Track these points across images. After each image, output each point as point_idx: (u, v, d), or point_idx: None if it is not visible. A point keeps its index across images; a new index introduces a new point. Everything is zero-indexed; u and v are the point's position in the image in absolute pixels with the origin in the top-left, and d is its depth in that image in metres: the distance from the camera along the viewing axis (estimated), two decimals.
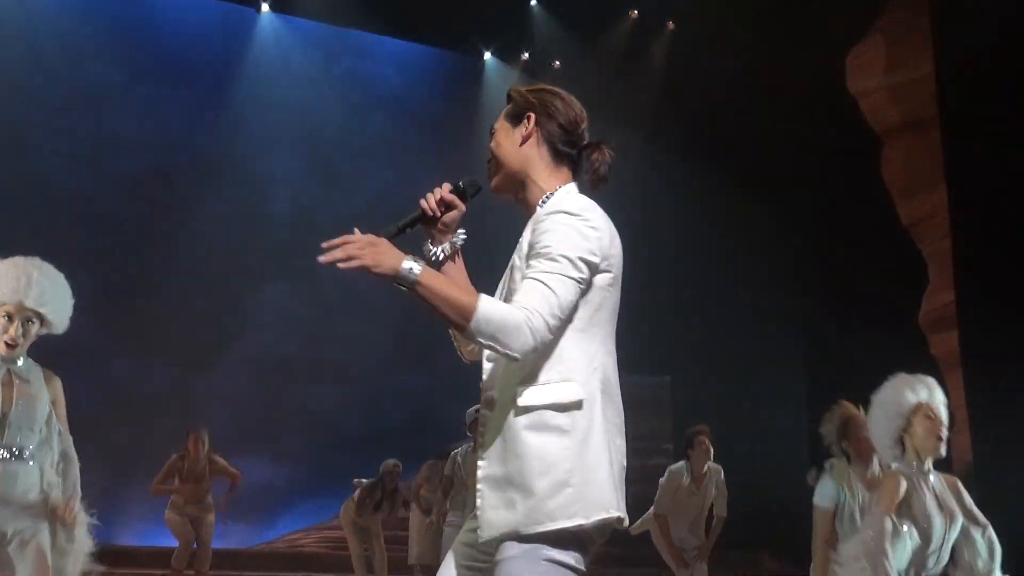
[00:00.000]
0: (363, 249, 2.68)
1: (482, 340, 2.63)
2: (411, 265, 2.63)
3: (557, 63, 16.78)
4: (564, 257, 2.71)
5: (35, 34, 14.05)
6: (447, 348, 2.96)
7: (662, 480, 9.05)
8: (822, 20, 13.31)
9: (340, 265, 2.68)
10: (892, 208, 13.29)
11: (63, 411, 4.71)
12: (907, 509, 5.05)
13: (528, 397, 2.73)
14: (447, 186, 3.07)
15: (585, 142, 3.08)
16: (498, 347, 2.63)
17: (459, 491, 8.46)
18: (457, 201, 3.07)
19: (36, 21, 14.12)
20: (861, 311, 13.91)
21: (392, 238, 2.81)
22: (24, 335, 4.45)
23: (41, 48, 14.06)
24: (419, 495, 10.21)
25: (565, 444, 2.69)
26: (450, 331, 2.85)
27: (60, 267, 4.59)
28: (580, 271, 2.73)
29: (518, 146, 2.99)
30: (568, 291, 2.70)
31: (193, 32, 15.18)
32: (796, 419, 15.74)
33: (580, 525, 2.64)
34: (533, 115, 3.00)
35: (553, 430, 2.70)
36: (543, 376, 2.73)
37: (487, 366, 2.88)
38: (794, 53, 13.47)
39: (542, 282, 2.68)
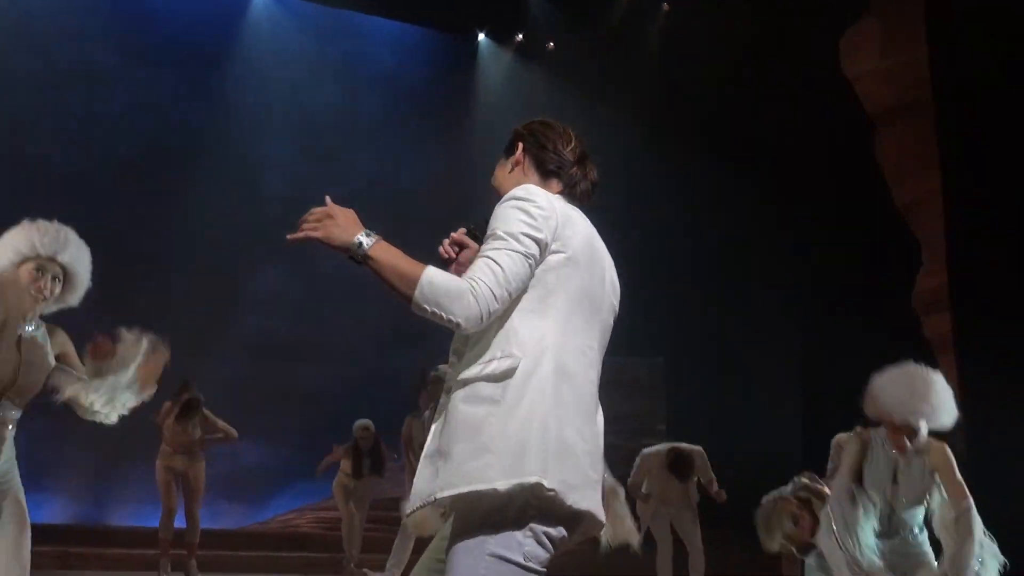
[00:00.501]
0: (319, 221, 2.79)
1: (427, 307, 2.68)
2: (362, 240, 2.71)
3: (551, 44, 16.73)
4: (508, 234, 2.78)
5: (29, 14, 14.01)
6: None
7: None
8: (816, 2, 13.32)
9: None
10: (886, 191, 13.31)
11: (76, 360, 4.69)
12: (864, 472, 5.37)
13: (468, 372, 2.76)
14: (462, 230, 3.12)
15: (569, 166, 3.13)
16: (442, 313, 2.67)
17: None
18: (469, 241, 3.09)
19: (30, 2, 14.09)
20: (855, 293, 13.94)
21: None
22: (51, 292, 4.49)
23: (35, 28, 14.02)
24: (412, 448, 10.08)
25: (491, 411, 2.70)
26: None
27: None
28: (525, 246, 2.78)
29: (508, 172, 3.11)
30: (514, 263, 2.75)
31: (187, 13, 15.13)
32: (791, 399, 15.81)
33: (495, 489, 2.61)
34: (521, 143, 3.11)
35: (484, 400, 2.71)
36: (488, 355, 2.75)
37: (449, 365, 2.91)
38: (788, 35, 13.48)
39: (488, 256, 2.75)
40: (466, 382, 2.75)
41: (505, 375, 2.73)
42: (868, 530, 5.62)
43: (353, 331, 14.24)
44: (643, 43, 15.93)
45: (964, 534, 5.39)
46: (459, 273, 2.83)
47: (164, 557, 9.52)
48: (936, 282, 12.84)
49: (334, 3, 15.76)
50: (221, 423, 9.86)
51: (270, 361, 13.88)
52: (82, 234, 4.57)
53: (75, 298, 4.65)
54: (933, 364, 13.02)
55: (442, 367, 7.79)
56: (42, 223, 4.51)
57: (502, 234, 2.78)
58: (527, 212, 2.82)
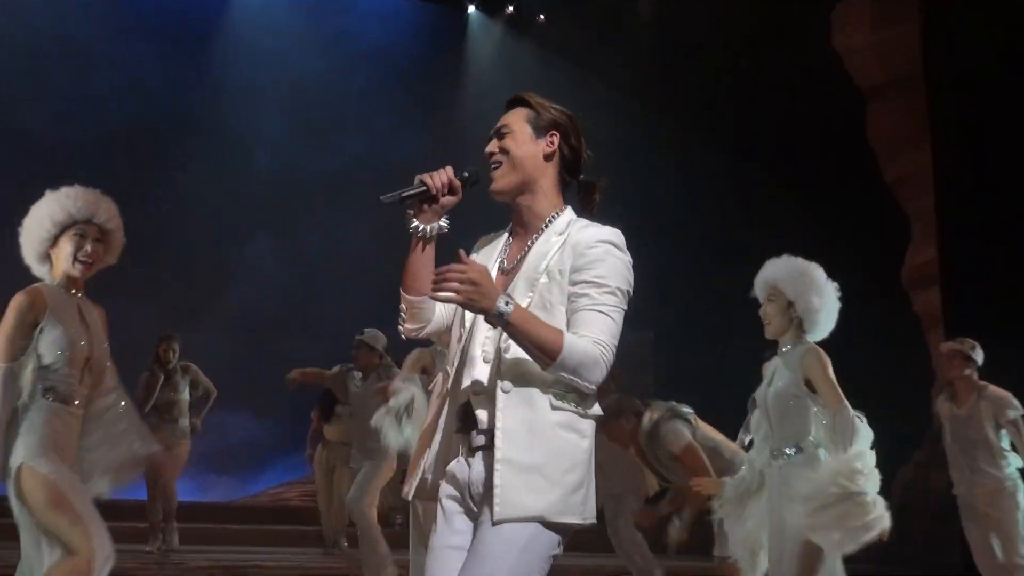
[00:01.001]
0: (464, 285, 2.76)
1: (564, 374, 2.82)
2: (503, 309, 2.76)
3: (542, 17, 16.66)
4: (620, 291, 2.95)
5: None
6: None
7: None
8: None
9: (433, 294, 2.84)
10: (876, 166, 13.33)
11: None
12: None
13: (564, 399, 2.90)
14: (450, 169, 3.08)
15: (582, 174, 3.23)
16: (578, 380, 2.84)
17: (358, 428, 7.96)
18: (458, 187, 3.08)
19: None
20: (844, 268, 13.89)
21: (390, 204, 2.97)
22: (96, 256, 4.51)
23: (21, 4, 13.97)
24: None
25: (585, 448, 2.92)
26: (403, 308, 3.09)
27: None
28: (626, 305, 2.98)
29: (540, 157, 3.10)
30: (621, 323, 2.95)
31: None
32: None
33: (581, 524, 2.88)
34: (559, 135, 3.13)
35: (579, 433, 2.91)
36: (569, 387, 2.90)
37: (485, 365, 2.97)
38: (780, 8, 13.44)
39: (609, 316, 2.91)
40: (563, 409, 2.89)
41: (594, 416, 2.97)
42: (762, 450, 5.62)
43: (341, 306, 14.23)
44: (635, 16, 15.87)
45: (838, 443, 5.40)
46: (433, 217, 3.02)
47: (154, 534, 9.50)
48: (926, 258, 12.88)
49: None
50: (196, 369, 9.85)
51: (259, 335, 13.87)
52: None
53: (113, 257, 4.66)
54: (922, 339, 13.14)
55: (368, 331, 7.81)
56: (69, 189, 4.53)
57: (615, 289, 2.94)
58: (628, 269, 3.02)
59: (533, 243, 3.05)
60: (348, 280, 13.73)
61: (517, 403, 2.87)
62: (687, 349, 14.98)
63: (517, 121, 3.12)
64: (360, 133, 15.60)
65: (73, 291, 4.55)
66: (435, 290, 2.79)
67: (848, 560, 13.20)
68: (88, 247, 4.46)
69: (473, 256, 3.05)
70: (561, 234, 3.02)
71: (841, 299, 13.91)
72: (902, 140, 13.18)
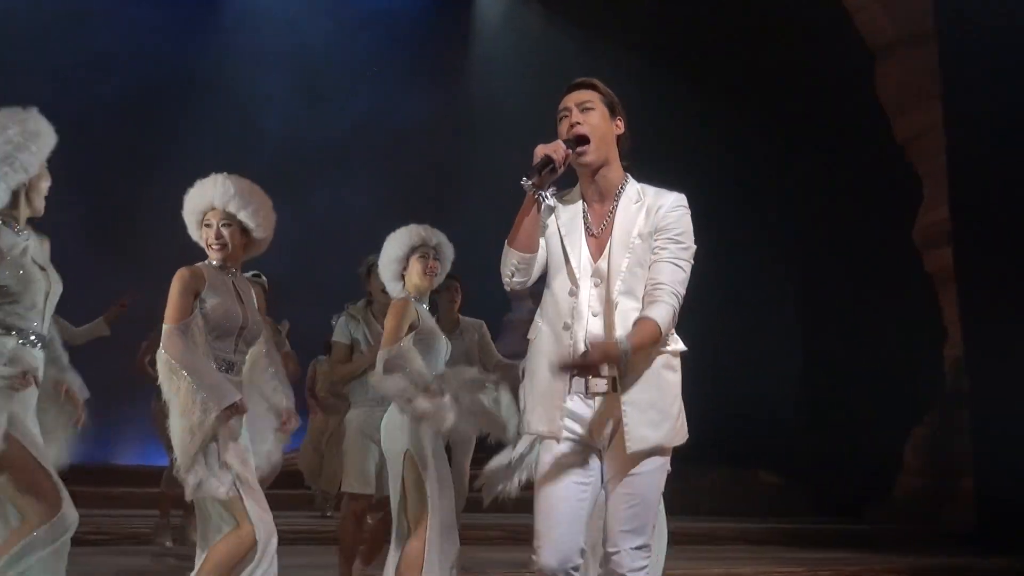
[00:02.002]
0: (600, 361, 3.34)
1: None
2: (624, 351, 3.32)
3: None
4: (691, 247, 3.59)
5: None
6: None
7: None
8: None
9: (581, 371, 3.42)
10: (887, 125, 13.24)
11: None
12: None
13: (668, 347, 3.56)
14: (563, 144, 3.51)
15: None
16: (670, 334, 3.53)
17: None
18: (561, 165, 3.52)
19: None
20: (856, 227, 13.90)
21: (531, 179, 3.43)
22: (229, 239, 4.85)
23: None
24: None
25: (679, 381, 3.60)
26: (513, 263, 3.55)
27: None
28: (693, 256, 3.64)
29: (613, 136, 3.64)
30: (689, 272, 3.61)
31: None
32: (790, 336, 15.83)
33: (682, 443, 3.61)
34: (623, 120, 3.69)
35: (673, 370, 3.58)
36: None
37: (595, 319, 3.51)
38: None
39: (681, 268, 3.55)
40: (663, 352, 3.52)
41: (681, 353, 3.64)
42: None
43: (347, 270, 14.18)
44: None
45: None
46: (547, 185, 3.52)
47: (164, 518, 8.42)
48: (937, 216, 12.82)
49: None
50: None
51: (267, 299, 13.81)
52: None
53: (260, 235, 5.01)
54: (934, 299, 13.10)
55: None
56: (210, 178, 5.03)
57: (689, 246, 3.60)
58: (692, 228, 3.64)
59: (614, 210, 3.57)
60: (355, 242, 13.68)
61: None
62: (700, 309, 14.90)
63: (596, 101, 3.62)
64: (366, 97, 15.55)
65: (231, 269, 4.92)
66: (581, 375, 3.42)
67: (862, 517, 13.27)
68: (217, 233, 4.88)
69: (556, 216, 3.60)
70: (637, 202, 3.58)
71: (853, 259, 13.95)
72: (913, 99, 13.09)
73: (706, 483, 13.72)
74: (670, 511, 12.32)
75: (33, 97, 13.81)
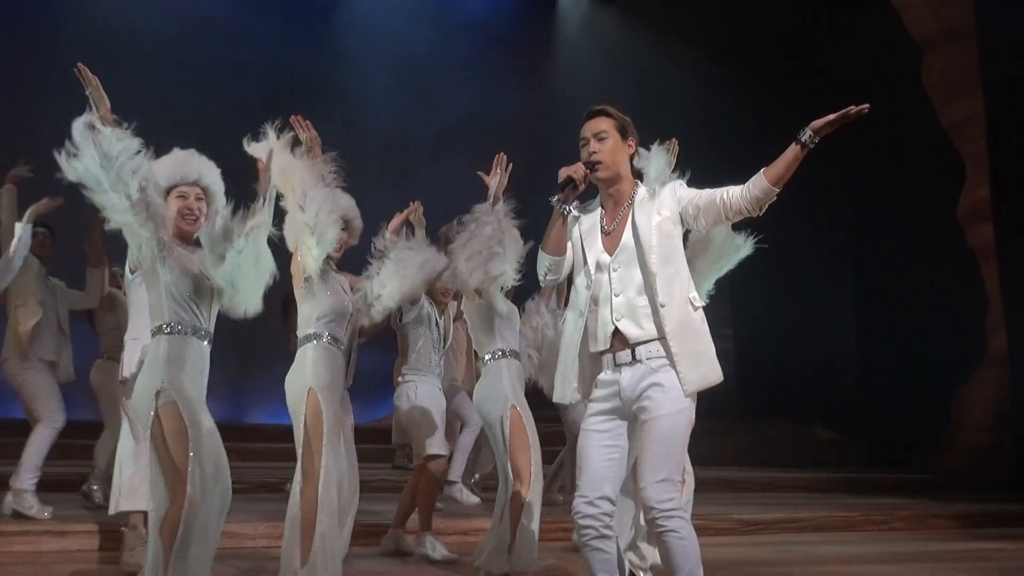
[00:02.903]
0: (565, 174, 3.79)
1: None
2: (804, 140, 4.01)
3: None
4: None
5: None
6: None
7: None
8: None
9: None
10: (933, 112, 13.01)
11: None
12: None
13: (698, 300, 3.76)
14: (581, 165, 3.80)
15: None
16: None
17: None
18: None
19: None
20: (905, 206, 13.75)
21: (557, 196, 3.75)
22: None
23: None
24: None
25: (708, 330, 3.77)
26: (547, 265, 3.84)
27: None
28: None
29: (625, 155, 3.88)
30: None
31: None
32: (844, 303, 15.71)
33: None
34: (634, 140, 3.91)
35: (704, 322, 3.76)
36: (692, 290, 3.75)
37: (616, 298, 3.73)
38: None
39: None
40: (696, 307, 3.73)
41: (703, 305, 3.82)
42: None
43: None
44: None
45: None
46: (570, 200, 3.80)
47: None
48: (979, 195, 12.65)
49: None
50: None
51: None
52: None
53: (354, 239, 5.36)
54: (976, 271, 12.89)
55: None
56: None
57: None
58: None
59: (628, 210, 3.81)
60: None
61: (674, 308, 3.66)
62: (761, 284, 14.83)
63: (609, 129, 3.84)
64: (462, 95, 15.62)
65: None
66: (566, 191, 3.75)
67: (912, 467, 13.09)
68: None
69: (577, 223, 3.87)
70: (651, 198, 3.82)
71: (902, 235, 13.75)
72: (957, 88, 12.88)
73: (770, 438, 13.68)
74: (738, 463, 12.36)
75: (175, 101, 14.22)
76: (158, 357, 3.90)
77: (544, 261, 3.84)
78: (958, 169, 12.97)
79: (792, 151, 3.88)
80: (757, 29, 14.49)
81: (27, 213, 6.45)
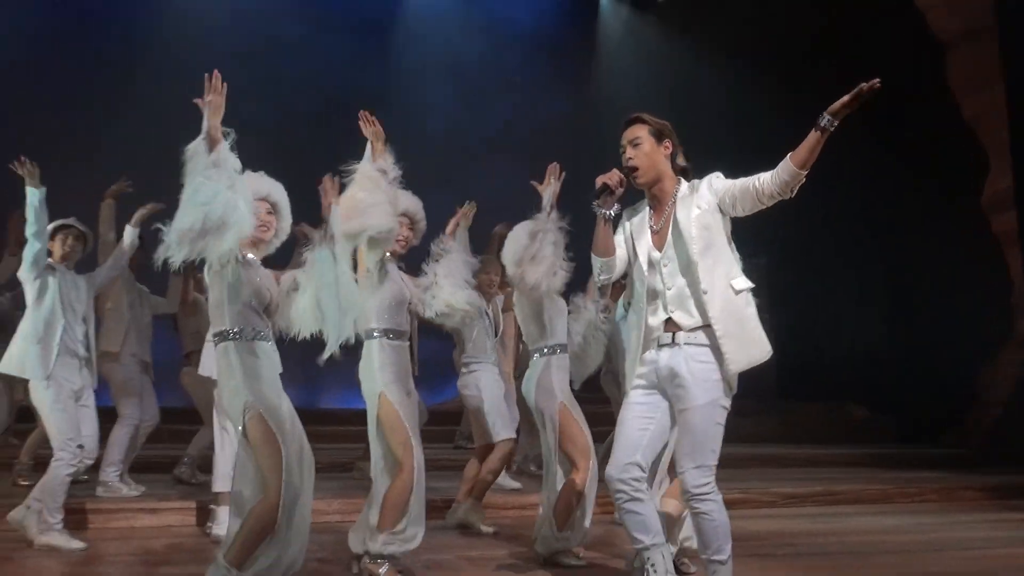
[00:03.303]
0: (602, 180, 3.85)
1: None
2: (824, 125, 4.01)
3: None
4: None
5: None
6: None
7: None
8: None
9: None
10: (956, 107, 12.85)
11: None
12: None
13: (739, 284, 3.74)
14: (617, 171, 3.82)
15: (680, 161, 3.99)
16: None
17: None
18: (625, 181, 3.85)
19: None
20: (931, 196, 13.62)
21: (598, 206, 3.81)
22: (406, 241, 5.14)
23: (240, 8, 14.35)
24: None
25: (755, 312, 3.78)
26: (599, 266, 3.91)
27: None
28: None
29: (662, 157, 3.87)
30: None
31: None
32: (876, 289, 15.58)
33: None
34: (670, 140, 3.91)
35: (750, 304, 3.77)
36: (735, 275, 3.76)
37: (667, 291, 3.77)
38: None
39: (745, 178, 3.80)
40: (739, 292, 3.73)
41: (749, 288, 3.78)
42: None
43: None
44: None
45: None
46: (609, 204, 3.83)
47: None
48: (1002, 184, 12.50)
49: None
50: None
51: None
52: (279, 176, 4.64)
53: (416, 238, 5.23)
54: (1000, 256, 12.73)
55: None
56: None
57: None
58: None
59: (672, 208, 3.82)
60: (504, 219, 13.82)
61: (715, 299, 3.67)
62: (796, 269, 14.75)
63: (644, 135, 3.86)
64: (512, 101, 15.64)
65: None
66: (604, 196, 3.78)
67: (940, 443, 12.98)
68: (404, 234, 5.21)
69: (627, 223, 3.93)
70: (691, 194, 3.82)
71: (929, 223, 13.62)
72: (979, 82, 12.71)
73: (807, 417, 13.60)
74: (777, 441, 12.24)
75: (243, 112, 14.17)
76: (233, 367, 3.95)
77: (596, 262, 3.90)
78: (982, 160, 12.79)
79: (814, 136, 3.83)
80: (786, 33, 14.37)
81: (135, 217, 6.55)
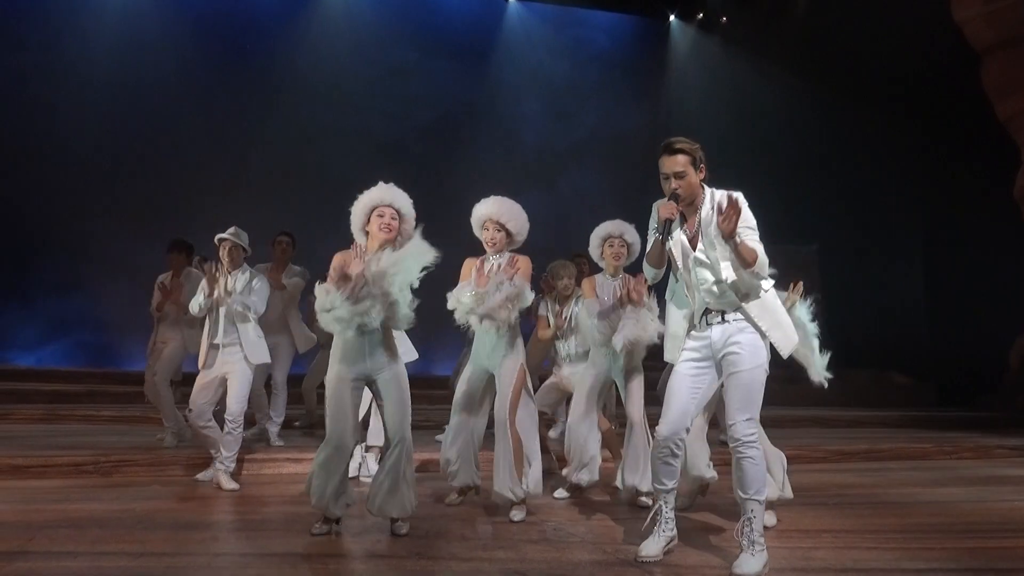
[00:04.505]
0: (664, 215, 3.92)
1: (755, 270, 3.76)
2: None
3: (724, 18, 16.23)
4: (755, 224, 3.82)
5: (356, 27, 14.52)
6: None
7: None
8: None
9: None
10: (990, 108, 12.38)
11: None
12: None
13: (767, 285, 3.88)
14: (673, 203, 3.86)
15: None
16: (762, 275, 3.80)
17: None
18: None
19: (355, 16, 14.61)
20: (967, 188, 13.37)
21: (661, 233, 3.88)
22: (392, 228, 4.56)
23: (361, 35, 14.54)
24: None
25: (781, 305, 3.95)
26: (649, 275, 4.06)
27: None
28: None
29: (699, 179, 3.91)
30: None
31: (462, 16, 15.36)
32: (915, 269, 15.35)
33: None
34: (703, 165, 3.91)
35: (776, 297, 3.93)
36: (762, 281, 3.86)
37: (709, 283, 3.88)
38: None
39: (758, 242, 3.78)
40: (767, 291, 3.87)
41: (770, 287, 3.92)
42: None
43: (586, 235, 14.33)
44: (793, 10, 15.23)
45: None
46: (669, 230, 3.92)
47: None
48: None
49: (565, 2, 15.70)
50: None
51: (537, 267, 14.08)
52: (398, 180, 4.68)
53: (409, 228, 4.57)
54: None
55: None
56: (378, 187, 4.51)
57: (754, 227, 3.80)
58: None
59: (699, 216, 3.90)
60: (590, 218, 13.77)
61: (740, 287, 3.82)
62: (843, 253, 14.48)
63: (686, 165, 3.85)
64: (594, 114, 15.58)
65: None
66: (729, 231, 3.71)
67: (976, 407, 12.58)
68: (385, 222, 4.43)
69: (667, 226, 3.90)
70: (712, 206, 3.87)
71: (964, 213, 13.23)
72: (1012, 87, 12.19)
73: (854, 383, 13.33)
74: (827, 404, 11.92)
75: (367, 128, 14.37)
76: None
77: (650, 272, 4.03)
78: (1014, 155, 12.34)
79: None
80: (836, 48, 14.07)
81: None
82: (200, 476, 6.05)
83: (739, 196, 3.83)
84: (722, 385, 3.92)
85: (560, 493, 5.63)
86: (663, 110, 15.79)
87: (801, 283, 4.95)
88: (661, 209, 3.86)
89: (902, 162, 14.82)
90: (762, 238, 3.83)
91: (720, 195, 3.88)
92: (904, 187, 14.95)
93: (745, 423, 3.75)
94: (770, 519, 4.76)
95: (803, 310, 4.99)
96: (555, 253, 6.93)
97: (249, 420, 7.02)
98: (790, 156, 13.75)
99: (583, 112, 15.59)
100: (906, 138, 14.54)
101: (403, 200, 4.52)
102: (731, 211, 3.67)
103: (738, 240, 3.72)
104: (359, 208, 4.45)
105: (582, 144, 15.19)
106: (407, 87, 14.61)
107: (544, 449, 6.49)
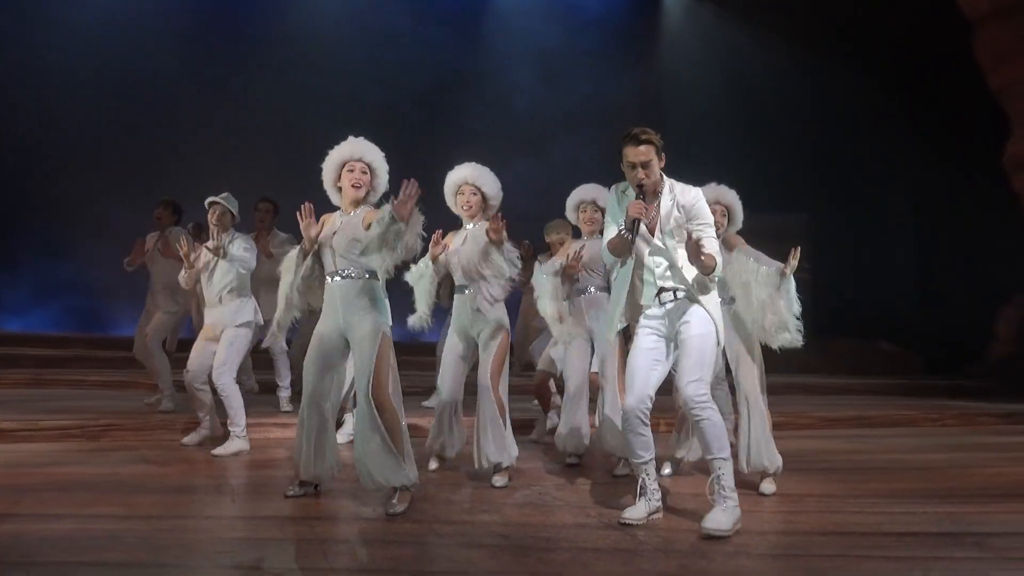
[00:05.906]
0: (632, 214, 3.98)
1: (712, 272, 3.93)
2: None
3: None
4: (711, 222, 4.02)
5: None
6: None
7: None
8: None
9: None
10: (982, 79, 12.34)
11: None
12: None
13: (711, 285, 3.99)
14: (642, 203, 3.94)
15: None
16: (715, 275, 3.96)
17: None
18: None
19: None
20: (959, 156, 13.39)
21: (626, 231, 3.94)
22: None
23: (352, 1, 14.41)
24: None
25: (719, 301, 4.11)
26: (605, 256, 4.14)
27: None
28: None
29: (659, 167, 4.01)
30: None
31: None
32: (906, 237, 15.41)
33: None
34: (663, 153, 4.01)
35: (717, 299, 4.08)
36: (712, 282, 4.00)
37: (664, 266, 4.01)
38: None
39: (713, 238, 3.96)
40: (709, 290, 3.99)
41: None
42: None
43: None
44: None
45: None
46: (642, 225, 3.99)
47: None
48: (1022, 148, 12.04)
49: None
50: None
51: (517, 227, 14.10)
52: (391, 149, 4.65)
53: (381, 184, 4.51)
54: (1019, 211, 12.31)
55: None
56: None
57: (710, 223, 4.00)
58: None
59: (659, 203, 4.00)
60: (583, 183, 13.72)
61: (691, 272, 3.94)
62: (834, 229, 14.48)
63: (651, 155, 3.95)
64: (586, 81, 15.47)
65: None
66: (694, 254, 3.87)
67: (962, 375, 12.66)
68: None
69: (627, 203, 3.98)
70: (670, 196, 3.99)
71: (956, 182, 13.22)
72: (1004, 56, 12.13)
73: (842, 351, 13.43)
74: (815, 372, 11.99)
75: (362, 94, 14.22)
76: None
77: (609, 259, 4.10)
78: (1004, 125, 12.32)
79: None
80: (829, 17, 13.99)
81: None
82: (186, 440, 6.06)
83: (697, 192, 4.01)
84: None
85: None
86: (655, 77, 15.70)
87: (799, 248, 4.87)
88: (631, 208, 3.92)
89: (893, 132, 14.80)
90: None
91: (680, 188, 4.01)
92: (894, 156, 14.95)
93: (695, 385, 3.85)
94: (768, 487, 4.80)
95: (791, 281, 4.95)
96: (546, 219, 6.96)
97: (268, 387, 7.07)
98: (781, 125, 13.70)
99: (575, 79, 15.47)
100: (897, 108, 14.50)
101: (374, 154, 4.45)
102: (694, 247, 3.83)
103: (703, 253, 3.84)
104: (329, 164, 4.42)
105: (574, 111, 15.09)
106: (399, 53, 14.48)
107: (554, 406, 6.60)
